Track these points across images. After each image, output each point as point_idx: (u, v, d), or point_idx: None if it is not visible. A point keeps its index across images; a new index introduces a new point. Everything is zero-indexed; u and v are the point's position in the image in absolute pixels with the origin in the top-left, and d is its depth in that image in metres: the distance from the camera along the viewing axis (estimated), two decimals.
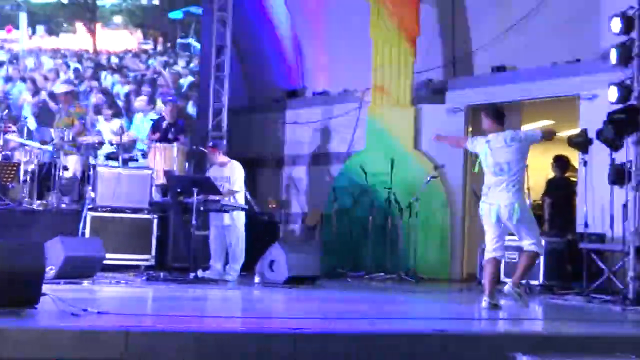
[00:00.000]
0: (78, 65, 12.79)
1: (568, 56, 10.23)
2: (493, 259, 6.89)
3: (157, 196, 10.28)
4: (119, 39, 13.08)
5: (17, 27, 12.62)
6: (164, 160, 10.76)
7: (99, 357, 4.50)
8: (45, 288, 5.30)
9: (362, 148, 11.72)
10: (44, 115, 12.19)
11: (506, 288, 6.91)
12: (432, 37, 11.64)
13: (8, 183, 9.58)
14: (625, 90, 8.26)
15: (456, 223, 10.97)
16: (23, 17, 12.60)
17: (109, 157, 10.99)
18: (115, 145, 11.05)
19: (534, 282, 8.75)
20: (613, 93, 8.32)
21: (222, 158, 9.27)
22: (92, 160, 10.66)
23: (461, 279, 10.63)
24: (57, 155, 10.35)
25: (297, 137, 13.24)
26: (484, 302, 6.79)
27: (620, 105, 8.26)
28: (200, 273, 8.78)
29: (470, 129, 11.31)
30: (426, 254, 10.64)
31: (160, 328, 5.01)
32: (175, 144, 10.98)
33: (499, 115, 7.22)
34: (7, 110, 11.13)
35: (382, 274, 10.14)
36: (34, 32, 12.72)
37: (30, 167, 10.21)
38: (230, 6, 12.86)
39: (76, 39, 12.87)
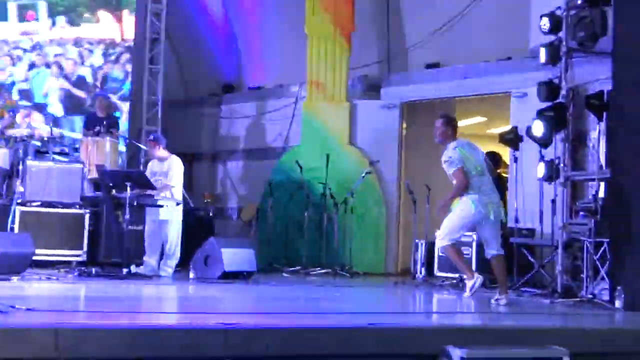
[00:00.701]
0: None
1: (500, 54, 10.45)
2: (452, 245, 7.20)
3: (89, 191, 10.13)
4: None
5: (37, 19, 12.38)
6: (95, 154, 10.63)
7: (28, 356, 4.43)
8: None
9: (298, 143, 11.76)
10: (68, 102, 12.19)
11: (502, 302, 7.09)
12: (367, 33, 11.73)
13: None
14: (553, 89, 8.50)
15: (391, 218, 11.12)
16: (43, 8, 12.35)
17: (38, 151, 10.78)
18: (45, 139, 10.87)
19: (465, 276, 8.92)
20: (542, 91, 8.55)
21: (161, 152, 9.17)
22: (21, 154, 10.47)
23: (396, 273, 10.78)
24: None
25: (233, 131, 13.22)
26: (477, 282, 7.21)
27: (549, 103, 8.49)
28: (133, 269, 8.69)
29: (404, 125, 11.46)
30: (361, 248, 10.75)
31: (91, 324, 4.95)
32: (107, 138, 10.84)
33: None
34: None
35: (318, 268, 10.19)
36: (54, 24, 12.46)
37: None
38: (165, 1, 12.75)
39: (100, 28, 12.69)
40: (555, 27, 8.43)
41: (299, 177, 10.86)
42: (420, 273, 9.56)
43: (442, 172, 11.01)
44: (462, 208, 7.04)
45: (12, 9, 12.27)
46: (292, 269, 10.32)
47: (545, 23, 8.46)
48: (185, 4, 13.32)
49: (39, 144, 10.69)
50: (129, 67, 12.81)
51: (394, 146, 11.33)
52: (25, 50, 12.30)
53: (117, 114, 12.14)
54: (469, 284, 7.27)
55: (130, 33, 12.83)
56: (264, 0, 12.75)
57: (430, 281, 9.30)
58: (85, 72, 12.64)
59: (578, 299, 7.43)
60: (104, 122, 11.07)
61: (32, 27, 12.40)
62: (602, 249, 7.40)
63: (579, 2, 8.20)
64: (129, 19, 12.85)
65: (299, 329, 5.15)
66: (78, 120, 11.93)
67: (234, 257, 8.62)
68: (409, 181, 10.37)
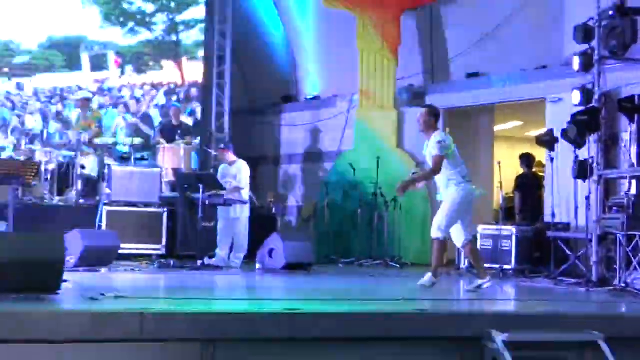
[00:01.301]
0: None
1: (535, 63, 10.27)
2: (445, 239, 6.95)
3: (166, 192, 10.28)
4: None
5: (107, 68, 12.69)
6: (171, 159, 10.80)
7: (117, 337, 4.53)
8: (66, 276, 5.32)
9: (351, 147, 11.75)
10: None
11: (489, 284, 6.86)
12: (412, 46, 11.64)
13: (30, 181, 9.57)
14: (587, 94, 8.35)
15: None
16: (112, 57, 12.61)
17: (121, 157, 10.99)
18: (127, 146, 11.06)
19: (507, 267, 8.82)
20: (576, 96, 8.41)
21: (231, 157, 9.26)
22: (107, 160, 10.68)
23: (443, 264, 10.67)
24: (75, 156, 10.37)
25: (292, 137, 13.27)
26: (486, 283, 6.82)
27: (582, 108, 8.34)
28: (206, 260, 8.79)
29: (447, 129, 11.32)
30: (409, 241, 10.69)
31: (172, 309, 5.04)
32: (182, 144, 11.01)
33: None
34: None
35: (370, 260, 10.17)
36: (123, 73, 12.77)
37: (51, 167, 10.25)
38: (229, 19, 12.87)
39: (164, 74, 12.95)
40: (587, 37, 8.28)
41: (352, 178, 10.87)
42: (464, 264, 9.45)
43: (483, 170, 11.03)
44: (463, 197, 6.77)
45: (85, 60, 12.55)
46: (347, 260, 10.29)
47: (579, 33, 8.34)
48: (248, 23, 13.41)
49: (125, 150, 10.91)
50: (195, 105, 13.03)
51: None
52: (94, 93, 12.49)
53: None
54: (481, 281, 6.86)
55: (189, 76, 13.06)
56: (319, 18, 12.75)
57: (473, 271, 9.18)
58: (153, 113, 12.85)
59: (612, 288, 7.32)
60: (178, 130, 11.27)
61: (103, 75, 12.65)
62: (635, 241, 7.28)
63: (611, 13, 8.04)
64: (188, 64, 13.09)
65: (355, 314, 5.17)
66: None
67: (294, 250, 8.66)
68: None
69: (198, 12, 13.17)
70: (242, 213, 9.03)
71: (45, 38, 12.29)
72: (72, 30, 12.44)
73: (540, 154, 10.36)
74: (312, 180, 12.66)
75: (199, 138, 12.35)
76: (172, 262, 8.96)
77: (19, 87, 11.66)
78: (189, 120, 12.59)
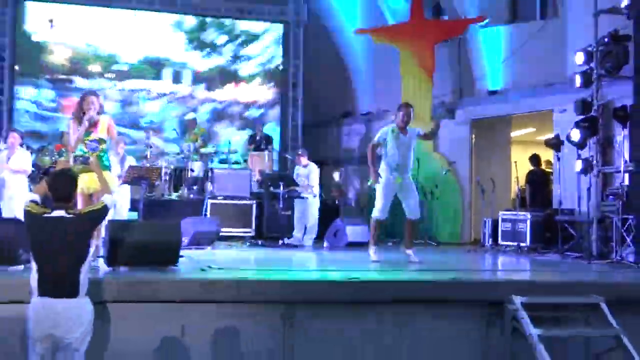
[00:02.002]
0: None
1: (544, 81, 10.00)
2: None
3: (255, 188, 10.38)
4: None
5: (180, 82, 12.78)
6: (258, 163, 10.93)
7: (220, 299, 4.63)
8: (182, 252, 5.47)
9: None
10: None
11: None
12: (444, 70, 11.47)
13: (154, 181, 9.82)
14: (586, 105, 8.13)
15: (465, 203, 10.85)
16: (187, 75, 12.73)
17: (221, 161, 11.18)
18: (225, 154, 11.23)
19: (522, 244, 8.62)
20: (578, 107, 8.18)
21: (304, 161, 9.30)
22: (210, 164, 10.88)
23: (469, 242, 10.51)
24: (186, 162, 10.61)
25: (350, 144, 13.25)
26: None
27: (583, 116, 8.12)
28: (286, 240, 8.88)
29: (473, 136, 11.17)
30: (443, 225, 10.55)
31: (260, 278, 5.12)
32: (265, 151, 11.13)
33: None
34: None
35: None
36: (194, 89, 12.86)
37: (168, 170, 10.50)
38: (301, 55, 12.97)
39: (225, 92, 13.00)
40: (588, 59, 8.06)
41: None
42: (488, 242, 9.29)
43: (502, 169, 10.81)
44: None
45: (167, 73, 12.72)
46: (394, 239, 10.20)
47: (580, 56, 8.11)
48: (316, 55, 13.45)
49: (223, 157, 11.09)
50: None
51: (466, 151, 11.05)
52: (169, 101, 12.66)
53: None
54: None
55: (244, 97, 12.99)
56: (371, 50, 12.69)
57: (496, 248, 9.04)
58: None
59: (609, 261, 7.12)
60: (263, 140, 11.39)
61: (178, 88, 12.72)
62: (628, 223, 7.10)
63: (606, 40, 7.83)
64: (245, 86, 13.02)
65: (402, 281, 5.17)
66: None
67: (354, 231, 8.66)
68: (479, 177, 10.11)
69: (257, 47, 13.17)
70: (313, 203, 9.08)
71: (142, 56, 12.51)
72: (161, 50, 12.62)
73: (548, 154, 10.09)
74: (366, 177, 12.54)
75: (278, 146, 12.47)
76: (259, 242, 9.07)
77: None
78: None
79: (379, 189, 6.43)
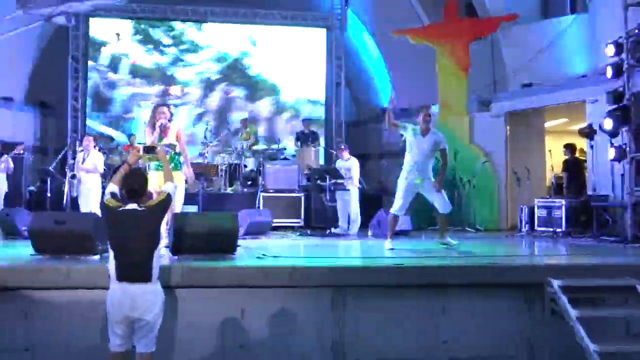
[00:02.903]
0: None
1: (576, 73, 9.68)
2: None
3: (302, 181, 10.43)
4: None
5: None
6: (305, 158, 10.97)
7: (275, 284, 4.67)
8: (239, 242, 5.50)
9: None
10: None
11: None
12: (478, 65, 11.22)
13: (212, 177, 9.99)
14: (618, 95, 7.80)
15: (501, 191, 10.59)
16: (125, 65, 12.66)
17: (271, 157, 11.28)
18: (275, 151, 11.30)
19: (558, 230, 8.37)
20: (610, 97, 7.86)
21: (346, 155, 9.28)
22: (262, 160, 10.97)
23: (506, 228, 10.28)
24: (240, 158, 10.74)
25: (391, 139, 13.11)
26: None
27: (615, 105, 7.80)
28: (332, 230, 8.86)
29: (508, 127, 10.90)
30: (482, 212, 10.32)
31: (310, 264, 5.13)
32: (312, 147, 11.16)
33: None
34: None
35: (451, 227, 9.86)
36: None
37: (224, 166, 10.66)
38: (343, 55, 12.91)
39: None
40: (618, 51, 7.73)
41: (437, 166, 10.51)
42: (525, 228, 9.05)
43: (536, 157, 10.51)
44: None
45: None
46: (434, 227, 10.02)
47: (611, 48, 7.78)
48: (356, 57, 13.37)
49: (273, 153, 11.18)
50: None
51: (501, 142, 10.79)
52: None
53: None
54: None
55: None
56: (408, 48, 12.51)
57: (532, 234, 8.80)
58: None
59: None
60: (309, 137, 11.42)
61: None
62: None
63: (637, 31, 7.51)
64: None
65: (444, 267, 5.08)
66: None
67: None
68: (514, 167, 9.87)
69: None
70: (355, 195, 9.04)
71: None
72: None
73: (582, 143, 9.75)
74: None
75: (324, 142, 12.48)
76: (308, 232, 9.10)
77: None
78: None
79: (401, 188, 6.40)
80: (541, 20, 10.59)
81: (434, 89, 11.34)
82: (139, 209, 3.83)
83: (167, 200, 4.00)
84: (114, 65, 12.63)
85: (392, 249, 6.33)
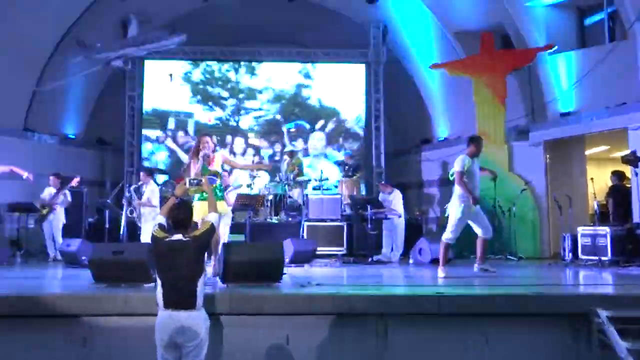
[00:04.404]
0: None
1: (616, 101, 9.39)
2: None
3: (345, 211, 10.43)
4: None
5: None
6: (347, 188, 10.97)
7: (316, 312, 4.62)
8: (284, 270, 5.52)
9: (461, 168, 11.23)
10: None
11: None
12: (516, 96, 11.09)
13: (259, 207, 10.09)
14: None
15: (543, 219, 10.31)
16: (191, 124, 12.97)
17: (315, 188, 11.32)
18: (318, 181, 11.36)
19: (604, 258, 8.02)
20: None
21: (388, 189, 9.25)
22: (305, 191, 11.04)
23: (549, 257, 9.94)
24: (285, 189, 10.82)
25: (431, 168, 13.02)
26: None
27: None
28: (375, 257, 8.77)
29: (547, 156, 10.64)
30: (523, 240, 10.03)
31: (353, 292, 5.06)
32: (353, 178, 11.15)
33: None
34: None
35: (492, 255, 9.65)
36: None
37: (270, 197, 10.77)
38: (381, 90, 12.98)
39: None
40: None
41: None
42: (568, 257, 8.72)
43: (579, 185, 10.19)
44: None
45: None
46: (475, 256, 9.82)
47: None
48: (394, 89, 13.41)
49: (316, 183, 11.23)
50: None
51: (541, 171, 10.54)
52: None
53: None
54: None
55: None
56: (445, 81, 12.50)
57: (576, 262, 8.46)
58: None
59: None
60: (351, 168, 11.42)
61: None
62: None
63: None
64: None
65: (488, 296, 4.93)
66: None
67: (437, 249, 8.38)
68: (555, 194, 9.58)
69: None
70: (399, 224, 8.96)
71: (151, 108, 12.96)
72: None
73: (624, 170, 9.37)
74: (446, 198, 12.26)
75: (364, 173, 12.46)
76: (351, 259, 9.03)
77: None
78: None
79: (456, 216, 6.32)
80: (579, 49, 10.39)
81: (472, 120, 11.23)
82: (184, 239, 3.90)
83: (211, 230, 4.06)
84: (181, 128, 13.02)
85: (445, 277, 6.23)
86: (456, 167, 6.30)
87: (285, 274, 5.49)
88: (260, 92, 13.20)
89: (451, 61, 11.73)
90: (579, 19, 10.69)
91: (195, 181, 5.19)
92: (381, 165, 12.80)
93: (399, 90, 13.52)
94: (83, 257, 7.22)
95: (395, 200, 8.98)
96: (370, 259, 8.66)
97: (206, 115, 13.15)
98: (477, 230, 6.36)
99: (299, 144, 13.07)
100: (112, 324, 4.49)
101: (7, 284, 5.68)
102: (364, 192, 11.78)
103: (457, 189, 6.31)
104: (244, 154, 13.02)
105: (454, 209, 6.27)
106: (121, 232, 8.62)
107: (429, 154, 13.05)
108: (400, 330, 4.58)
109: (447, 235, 6.37)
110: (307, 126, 13.17)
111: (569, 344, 4.55)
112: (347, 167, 11.29)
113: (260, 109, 13.20)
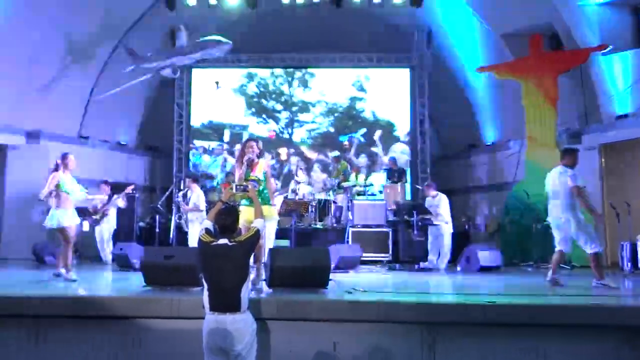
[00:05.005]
0: None
1: None
2: None
3: (390, 217, 10.32)
4: None
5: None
6: (393, 194, 10.86)
7: (362, 319, 4.57)
8: (330, 276, 5.48)
9: (523, 178, 10.96)
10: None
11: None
12: (567, 98, 10.70)
13: (303, 213, 10.13)
14: None
15: (598, 226, 9.81)
16: (246, 136, 12.93)
17: (359, 193, 11.26)
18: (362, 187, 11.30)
19: None
20: None
21: (432, 192, 9.09)
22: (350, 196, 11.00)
23: (606, 266, 9.48)
24: (329, 194, 10.82)
25: (478, 173, 12.74)
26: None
27: None
28: (421, 264, 8.65)
29: (603, 160, 10.21)
30: (577, 248, 9.59)
31: (401, 300, 4.97)
32: (399, 183, 11.04)
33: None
34: None
35: (545, 263, 9.31)
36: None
37: (314, 203, 10.79)
38: (426, 94, 12.81)
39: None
40: None
41: (527, 200, 10.08)
42: (627, 266, 8.31)
43: (638, 191, 9.71)
44: None
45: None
46: (526, 264, 9.54)
47: None
48: (440, 94, 13.23)
49: (361, 189, 11.18)
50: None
51: (595, 175, 10.11)
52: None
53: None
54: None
55: None
56: (493, 85, 12.22)
57: (636, 273, 8.04)
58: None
59: None
60: (396, 174, 11.32)
61: None
62: None
63: None
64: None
65: (539, 306, 4.75)
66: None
67: (486, 256, 8.21)
68: (611, 200, 9.17)
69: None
70: (446, 230, 8.79)
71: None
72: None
73: None
74: (494, 204, 12.00)
75: (410, 178, 12.31)
76: (397, 266, 8.94)
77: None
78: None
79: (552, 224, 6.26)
80: (635, 48, 9.94)
81: (521, 123, 10.92)
82: (230, 243, 3.93)
83: (256, 235, 4.08)
84: (237, 141, 13.23)
85: (560, 285, 6.19)
86: (571, 182, 6.16)
87: (331, 280, 5.44)
88: (313, 105, 13.31)
89: (499, 64, 11.45)
90: (634, 17, 10.24)
91: (241, 187, 5.23)
92: (427, 170, 12.61)
93: (444, 94, 13.33)
94: (134, 260, 7.41)
95: (441, 205, 8.81)
96: (416, 266, 8.53)
97: (261, 128, 13.33)
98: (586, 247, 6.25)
99: (362, 160, 13.04)
100: (162, 326, 4.58)
101: (64, 286, 5.88)
102: (409, 198, 11.62)
103: (570, 203, 6.18)
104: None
105: (569, 222, 6.17)
106: (171, 236, 8.82)
107: (477, 159, 12.78)
108: (448, 340, 4.47)
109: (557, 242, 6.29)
110: (362, 139, 13.13)
111: (626, 357, 4.32)
112: (392, 173, 11.18)
113: (313, 122, 13.28)
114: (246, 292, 3.90)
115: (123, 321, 4.61)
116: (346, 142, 13.16)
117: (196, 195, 8.60)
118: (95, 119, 12.07)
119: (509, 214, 10.55)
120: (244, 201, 6.06)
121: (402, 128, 13.20)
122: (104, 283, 6.67)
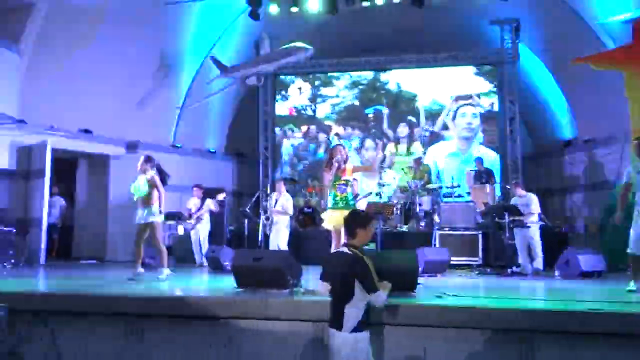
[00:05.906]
0: None
1: None
2: None
3: (479, 219, 10.00)
4: None
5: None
6: (480, 195, 10.50)
7: (456, 324, 4.41)
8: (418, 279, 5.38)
9: (627, 178, 10.13)
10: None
11: None
12: None
13: (389, 216, 10.05)
14: None
15: None
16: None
17: (445, 195, 11.00)
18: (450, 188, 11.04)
19: None
20: None
21: (521, 191, 8.70)
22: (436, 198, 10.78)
23: None
24: (414, 196, 10.65)
25: (574, 172, 11.99)
26: None
27: None
28: (514, 269, 8.29)
29: None
30: None
31: (493, 305, 4.76)
32: (487, 185, 10.66)
33: None
34: None
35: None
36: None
37: (399, 205, 10.67)
38: (515, 91, 12.26)
39: None
40: None
41: (632, 200, 9.29)
42: None
43: None
44: None
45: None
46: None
47: None
48: (529, 88, 12.61)
49: (447, 191, 10.92)
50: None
51: None
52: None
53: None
54: None
55: None
56: (585, 74, 11.44)
57: None
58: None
59: None
60: (483, 175, 10.93)
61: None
62: None
63: None
64: None
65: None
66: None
67: (587, 260, 7.69)
68: None
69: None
70: (534, 232, 8.35)
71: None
72: None
73: None
74: (593, 204, 11.22)
75: (500, 179, 11.84)
76: (488, 270, 8.63)
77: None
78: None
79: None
80: None
81: (622, 117, 10.11)
82: (347, 251, 3.75)
83: (371, 276, 3.79)
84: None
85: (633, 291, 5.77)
86: None
87: (420, 283, 5.34)
88: (337, 78, 13.34)
89: (597, 53, 10.70)
90: None
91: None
92: (517, 170, 12.05)
93: (535, 90, 12.70)
94: (225, 263, 7.69)
95: (530, 204, 8.39)
96: (509, 271, 8.16)
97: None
98: None
99: (405, 130, 12.69)
100: (253, 327, 4.69)
101: (159, 286, 6.21)
102: (498, 199, 11.17)
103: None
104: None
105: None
106: (259, 239, 9.08)
107: (573, 156, 12.04)
108: (545, 350, 4.21)
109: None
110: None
111: None
112: (479, 174, 10.81)
113: (337, 96, 13.26)
114: (352, 312, 3.66)
115: (218, 321, 4.77)
116: (371, 115, 12.93)
117: (285, 198, 8.79)
118: (186, 129, 12.71)
119: (612, 215, 9.79)
120: (329, 204, 6.16)
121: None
122: (198, 284, 6.95)
